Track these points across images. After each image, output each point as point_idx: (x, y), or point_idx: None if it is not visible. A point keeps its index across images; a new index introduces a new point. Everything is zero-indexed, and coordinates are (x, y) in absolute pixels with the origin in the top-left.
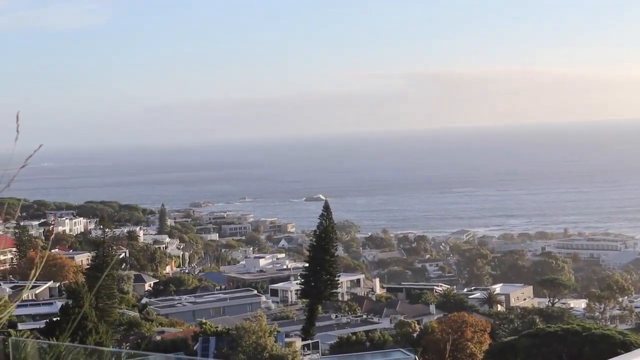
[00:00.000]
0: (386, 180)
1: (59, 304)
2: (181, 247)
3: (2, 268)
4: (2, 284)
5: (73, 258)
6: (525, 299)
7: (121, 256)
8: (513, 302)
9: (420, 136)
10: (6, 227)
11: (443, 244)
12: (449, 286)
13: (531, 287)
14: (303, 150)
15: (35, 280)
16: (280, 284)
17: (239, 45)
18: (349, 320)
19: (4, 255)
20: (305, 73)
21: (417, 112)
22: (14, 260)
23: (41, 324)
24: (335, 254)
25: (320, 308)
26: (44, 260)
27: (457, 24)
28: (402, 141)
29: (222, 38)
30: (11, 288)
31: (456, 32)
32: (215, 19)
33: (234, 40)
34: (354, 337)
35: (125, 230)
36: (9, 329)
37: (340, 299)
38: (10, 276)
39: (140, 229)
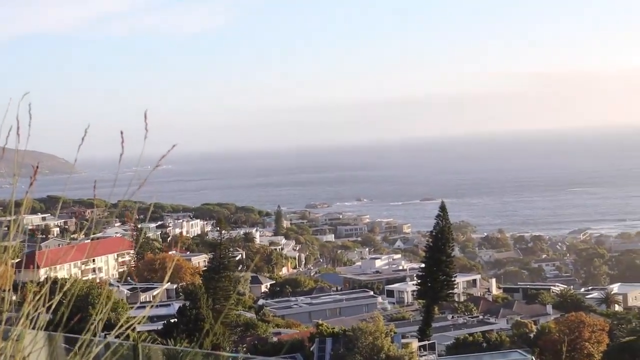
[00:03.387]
0: (503, 180)
1: (176, 305)
2: (297, 248)
3: (120, 270)
4: (120, 285)
5: (190, 260)
6: None
7: (237, 258)
8: (631, 302)
9: (546, 136)
10: (124, 230)
11: (560, 244)
12: (565, 286)
13: None
14: (423, 151)
15: (153, 282)
16: (396, 285)
17: (365, 45)
18: (465, 320)
19: (122, 257)
20: (430, 74)
21: (543, 111)
22: (132, 262)
23: (159, 326)
24: (452, 255)
25: (436, 309)
26: (173, 263)
27: (591, 24)
28: (527, 141)
29: (343, 38)
30: (129, 290)
31: (587, 31)
32: (331, 18)
33: (358, 40)
34: (470, 337)
35: (242, 232)
36: (128, 331)
37: (456, 299)
38: (129, 278)
39: (256, 230)
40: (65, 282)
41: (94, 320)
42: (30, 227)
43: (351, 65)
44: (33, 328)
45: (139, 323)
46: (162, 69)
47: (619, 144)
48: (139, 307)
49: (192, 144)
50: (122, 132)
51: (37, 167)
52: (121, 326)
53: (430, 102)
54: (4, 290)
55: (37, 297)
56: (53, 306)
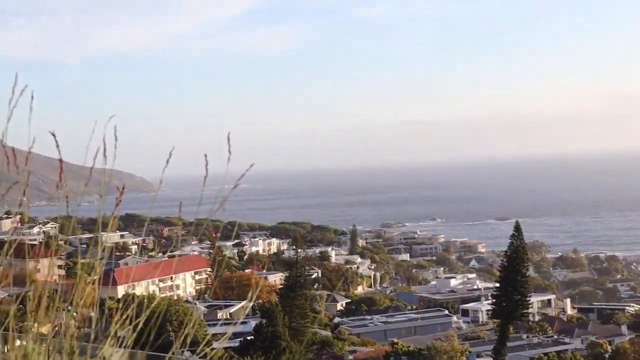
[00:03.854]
0: (577, 200)
1: (253, 323)
2: (372, 267)
3: (197, 287)
4: (197, 303)
5: (266, 278)
6: None
7: (313, 276)
8: None
9: (616, 156)
10: (201, 248)
11: (635, 264)
12: None
13: None
14: (493, 170)
15: (230, 299)
16: (471, 304)
17: (425, 67)
18: (540, 340)
19: (199, 275)
20: (493, 94)
21: (611, 131)
22: (209, 280)
23: (235, 343)
24: (526, 274)
25: (511, 328)
26: (259, 286)
27: None
28: (595, 161)
29: (405, 59)
30: (206, 307)
31: None
32: (394, 42)
33: (420, 62)
34: (545, 357)
35: (318, 250)
36: (205, 348)
37: (531, 319)
38: (206, 295)
39: (332, 249)
40: (149, 301)
41: (179, 338)
42: (109, 245)
43: (420, 84)
44: (119, 346)
45: (222, 341)
46: (237, 89)
47: None
48: (215, 325)
49: (267, 163)
50: (206, 155)
51: (123, 188)
52: (204, 344)
53: (499, 122)
54: (90, 309)
55: (123, 316)
56: (139, 325)
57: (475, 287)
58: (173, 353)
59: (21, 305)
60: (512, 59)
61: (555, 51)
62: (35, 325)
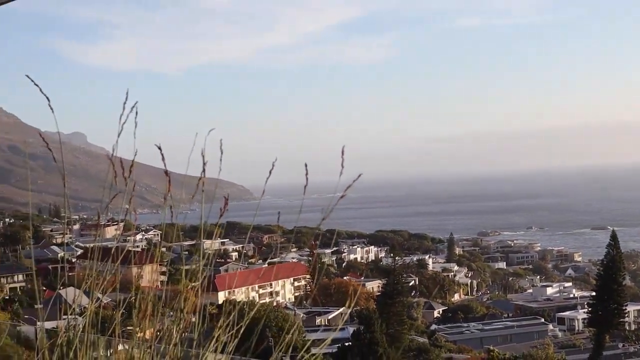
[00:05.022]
0: None
1: (350, 329)
2: (469, 275)
3: (296, 294)
4: (296, 309)
5: (364, 285)
6: None
7: (411, 284)
8: None
9: None
10: (300, 255)
11: None
12: None
13: None
14: (588, 179)
15: (328, 306)
16: (567, 313)
17: (519, 77)
18: (636, 349)
19: (299, 282)
20: (586, 102)
21: None
22: (308, 287)
23: (333, 349)
24: (623, 283)
25: (607, 337)
26: (357, 293)
27: None
28: None
29: (495, 70)
30: (305, 314)
31: None
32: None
33: (513, 71)
34: None
35: (415, 258)
36: (303, 353)
37: (627, 328)
38: (305, 302)
39: (429, 257)
40: (250, 307)
41: (279, 343)
42: (211, 252)
43: (519, 93)
44: (222, 352)
45: (322, 347)
46: (336, 99)
47: None
48: (313, 331)
49: (365, 172)
50: (306, 165)
51: (227, 197)
52: (304, 349)
53: (589, 130)
54: (193, 315)
55: (226, 322)
56: (242, 331)
57: (571, 295)
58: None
59: (124, 311)
60: (621, 64)
61: None
62: (139, 330)
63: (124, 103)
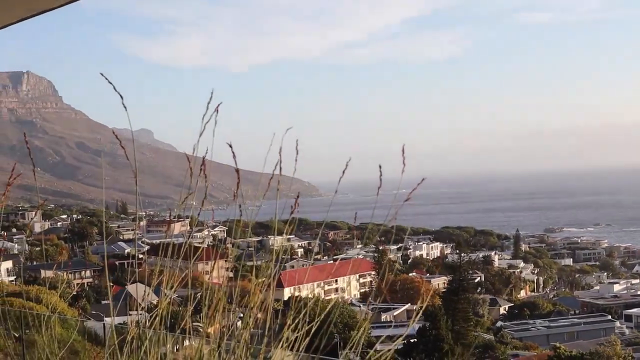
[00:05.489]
0: None
1: (416, 326)
2: (535, 271)
3: (362, 290)
4: (362, 305)
5: (430, 281)
6: None
7: (477, 280)
8: None
9: None
10: (365, 252)
11: None
12: None
13: None
14: None
15: (395, 302)
16: (634, 310)
17: (587, 72)
18: None
19: (364, 278)
20: None
21: None
22: (373, 283)
23: (399, 345)
24: None
25: None
26: (430, 291)
27: None
28: None
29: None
30: (370, 310)
31: None
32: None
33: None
34: None
35: (481, 255)
36: (368, 349)
37: None
38: (370, 298)
39: (495, 253)
40: (320, 305)
41: (350, 341)
42: (277, 248)
43: (586, 88)
44: (290, 350)
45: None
46: (403, 94)
47: None
48: (379, 327)
49: (432, 169)
50: (380, 167)
51: (298, 196)
52: (368, 346)
53: None
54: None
55: (296, 321)
56: (312, 330)
57: (639, 292)
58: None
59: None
60: None
61: None
62: (208, 326)
63: (208, 103)
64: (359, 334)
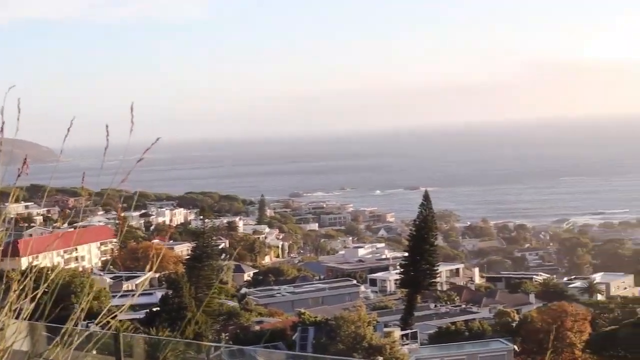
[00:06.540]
0: (487, 170)
1: (159, 294)
2: (280, 237)
3: (103, 258)
4: (103, 274)
5: (173, 248)
6: (626, 288)
7: (221, 246)
8: (613, 292)
9: (533, 125)
10: (107, 219)
11: (543, 233)
12: (548, 275)
13: (632, 276)
14: (412, 140)
15: (136, 270)
16: (379, 274)
17: (336, 40)
18: (447, 310)
19: (105, 246)
20: (415, 64)
21: (530, 100)
22: (115, 251)
23: (141, 314)
24: (435, 244)
25: (419, 298)
26: (160, 255)
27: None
28: (513, 131)
29: (341, 31)
30: (111, 279)
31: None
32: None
33: (357, 33)
34: (453, 327)
35: (225, 220)
36: (109, 319)
37: (439, 288)
38: (111, 266)
39: (239, 219)
40: (49, 272)
41: (77, 309)
42: (13, 216)
43: (350, 56)
44: (16, 318)
45: (120, 312)
46: (147, 58)
47: (608, 133)
48: (122, 296)
49: (189, 132)
50: (107, 126)
51: (26, 159)
52: (103, 315)
53: (429, 92)
54: None
55: (20, 287)
56: (37, 296)
57: (383, 256)
58: (76, 324)
59: None
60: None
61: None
62: None
63: None
64: (87, 300)
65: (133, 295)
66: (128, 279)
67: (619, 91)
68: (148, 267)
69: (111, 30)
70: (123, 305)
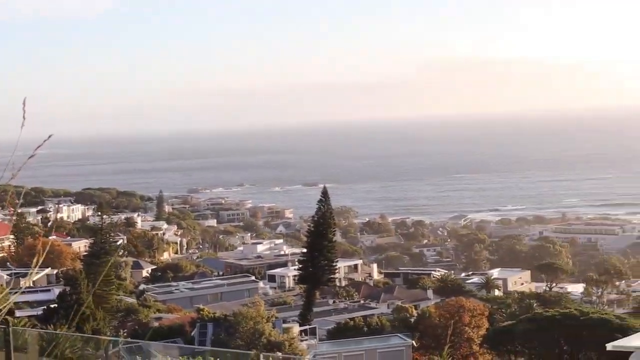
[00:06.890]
0: (386, 167)
1: (56, 290)
2: (179, 233)
3: (0, 255)
4: None
5: (71, 245)
6: (522, 284)
7: (119, 243)
8: (511, 287)
9: (428, 123)
10: (3, 215)
11: (441, 229)
12: (446, 271)
13: (529, 271)
14: (311, 137)
15: (33, 267)
16: (277, 270)
17: (235, 36)
18: (346, 305)
19: (2, 243)
20: (317, 61)
21: (425, 98)
22: (12, 248)
23: (39, 311)
24: (333, 240)
25: (317, 294)
26: (47, 248)
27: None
28: (409, 128)
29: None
30: (8, 275)
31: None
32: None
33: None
34: (351, 322)
35: (123, 216)
36: (7, 317)
37: (337, 284)
38: (8, 263)
39: (138, 215)
40: None
41: None
42: None
43: (240, 52)
44: None
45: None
46: (40, 52)
47: (504, 130)
48: (19, 293)
49: (91, 128)
50: None
51: None
52: (8, 313)
53: (319, 89)
54: None
55: None
56: None
57: (282, 252)
58: None
59: None
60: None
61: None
62: None
63: None
64: None
65: (20, 292)
66: (25, 275)
67: (514, 90)
68: (35, 260)
69: None
70: (19, 302)
